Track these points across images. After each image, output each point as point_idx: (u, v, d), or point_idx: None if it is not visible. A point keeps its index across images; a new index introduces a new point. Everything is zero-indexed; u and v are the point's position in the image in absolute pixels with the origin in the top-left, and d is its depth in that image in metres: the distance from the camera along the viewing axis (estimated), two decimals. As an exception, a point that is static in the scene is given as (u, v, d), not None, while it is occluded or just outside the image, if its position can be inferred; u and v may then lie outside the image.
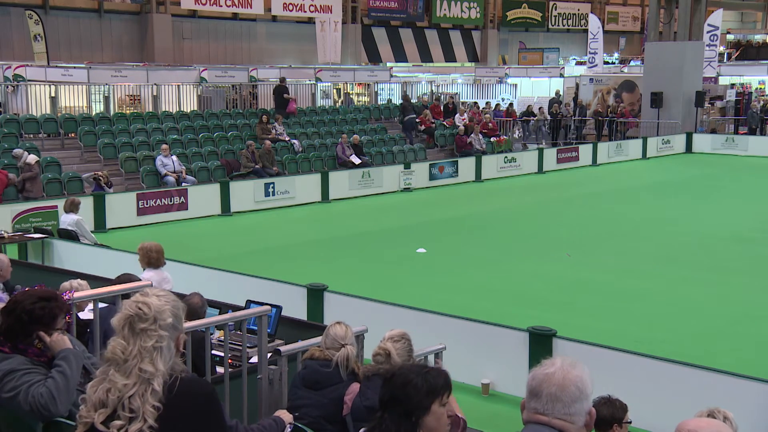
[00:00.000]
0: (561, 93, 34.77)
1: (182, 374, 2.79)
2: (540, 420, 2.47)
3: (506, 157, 24.77)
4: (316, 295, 8.62)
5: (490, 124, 26.90)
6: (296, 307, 8.24)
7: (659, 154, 28.94)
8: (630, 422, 4.73)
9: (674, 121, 30.16)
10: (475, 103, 31.36)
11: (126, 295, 4.87)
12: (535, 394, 2.49)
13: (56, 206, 14.41)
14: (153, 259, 8.16)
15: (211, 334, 5.49)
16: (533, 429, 2.48)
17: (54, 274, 8.90)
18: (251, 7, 32.58)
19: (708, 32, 33.18)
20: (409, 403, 2.80)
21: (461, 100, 32.87)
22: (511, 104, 33.09)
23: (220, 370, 5.30)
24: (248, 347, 5.18)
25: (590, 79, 34.29)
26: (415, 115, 25.41)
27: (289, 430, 3.94)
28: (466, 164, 23.14)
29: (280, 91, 23.81)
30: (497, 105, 31.97)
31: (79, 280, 6.71)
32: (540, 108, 31.83)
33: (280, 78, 24.72)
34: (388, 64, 36.66)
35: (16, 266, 8.37)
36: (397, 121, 26.00)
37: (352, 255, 14.01)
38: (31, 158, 16.41)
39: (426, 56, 40.80)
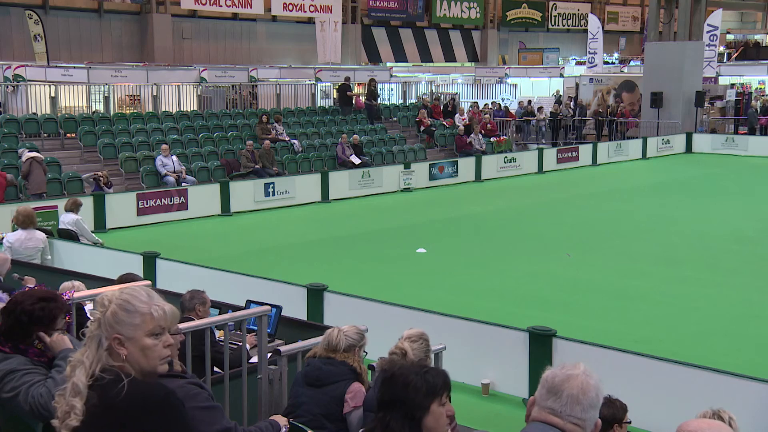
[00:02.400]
0: (561, 92, 34.82)
1: (131, 378, 2.66)
2: (553, 422, 2.46)
3: (506, 157, 24.77)
4: (316, 295, 8.62)
5: (489, 125, 26.89)
6: (296, 307, 8.24)
7: (659, 154, 28.95)
8: (630, 422, 4.73)
9: (674, 121, 30.17)
10: (476, 103, 31.35)
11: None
12: (554, 392, 2.48)
13: (56, 206, 14.41)
14: (20, 221, 9.81)
15: (213, 333, 5.49)
16: (540, 428, 2.47)
17: (54, 274, 8.90)
18: (251, 7, 32.59)
19: (708, 32, 33.19)
20: (411, 404, 2.80)
21: (463, 100, 32.86)
22: (529, 102, 32.82)
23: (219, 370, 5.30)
24: (248, 347, 5.18)
25: (590, 79, 34.29)
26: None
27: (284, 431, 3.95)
28: (466, 164, 23.14)
29: (345, 89, 25.02)
30: (499, 104, 31.87)
31: (74, 281, 6.70)
32: (540, 107, 31.80)
33: (345, 77, 25.85)
34: (388, 64, 36.68)
35: (17, 266, 8.38)
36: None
37: (352, 255, 14.01)
38: (25, 155, 16.41)
39: (426, 56, 40.81)
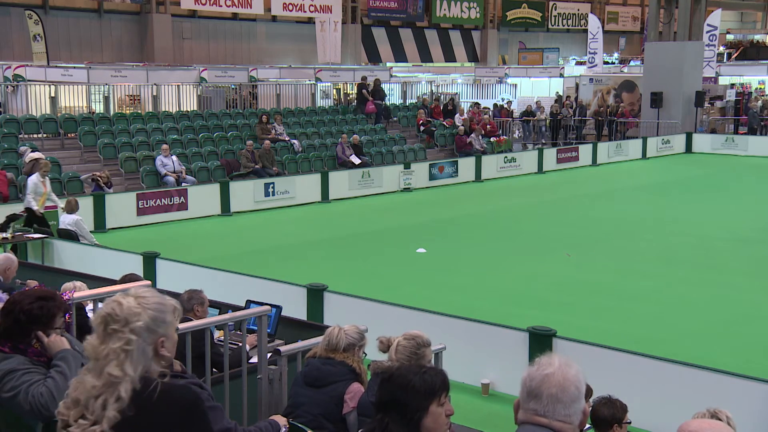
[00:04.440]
0: (561, 93, 34.82)
1: (163, 380, 2.69)
2: (539, 422, 2.45)
3: (506, 157, 24.76)
4: (316, 295, 8.62)
5: (488, 126, 26.88)
6: (296, 307, 8.24)
7: (659, 154, 28.95)
8: (630, 422, 4.73)
9: (674, 121, 30.17)
10: (476, 103, 31.34)
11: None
12: (534, 395, 2.47)
13: (56, 206, 14.40)
14: None
15: (211, 333, 5.48)
16: (531, 430, 2.47)
17: (54, 274, 8.91)
18: (251, 7, 32.60)
19: (707, 32, 33.18)
20: (410, 405, 2.79)
21: (463, 100, 32.85)
22: (555, 100, 32.71)
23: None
24: (248, 348, 5.17)
25: (590, 79, 34.29)
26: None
27: (284, 431, 3.95)
28: (466, 164, 23.14)
29: (362, 88, 25.27)
30: (505, 104, 31.83)
31: (75, 282, 6.70)
32: (539, 105, 31.76)
33: (362, 77, 26.11)
34: (388, 64, 36.68)
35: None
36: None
37: (352, 255, 14.01)
38: (29, 155, 16.42)
39: (426, 56, 40.81)
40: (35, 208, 13.37)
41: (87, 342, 2.70)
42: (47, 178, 13.82)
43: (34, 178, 13.57)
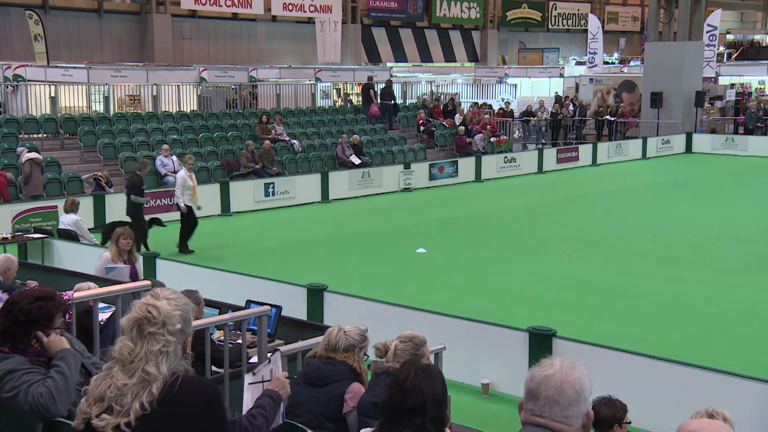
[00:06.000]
0: (560, 93, 34.82)
1: (184, 373, 2.79)
2: (537, 422, 2.46)
3: (506, 157, 24.77)
4: (316, 295, 8.62)
5: (488, 126, 26.88)
6: (296, 307, 8.24)
7: (659, 154, 28.94)
8: (630, 422, 4.73)
9: (674, 121, 30.16)
10: (476, 103, 31.33)
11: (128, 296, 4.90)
12: (532, 395, 2.47)
13: (56, 206, 14.42)
14: None
15: (211, 333, 5.48)
16: (530, 431, 2.47)
17: (54, 274, 8.91)
18: (251, 7, 32.59)
19: (707, 32, 33.18)
20: (441, 407, 2.97)
21: (463, 100, 32.84)
22: (567, 97, 32.78)
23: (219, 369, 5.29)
24: (248, 347, 5.17)
25: (590, 79, 34.29)
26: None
27: (284, 402, 3.92)
28: (466, 164, 23.14)
29: (368, 88, 25.27)
30: (504, 105, 31.88)
31: (89, 283, 6.71)
32: (542, 105, 31.74)
33: (368, 77, 26.08)
34: (388, 64, 36.66)
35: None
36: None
37: (352, 255, 14.01)
38: (24, 156, 16.40)
39: (426, 56, 40.79)
40: (182, 205, 13.53)
41: (121, 345, 2.78)
42: (193, 172, 13.93)
43: (182, 173, 13.73)
